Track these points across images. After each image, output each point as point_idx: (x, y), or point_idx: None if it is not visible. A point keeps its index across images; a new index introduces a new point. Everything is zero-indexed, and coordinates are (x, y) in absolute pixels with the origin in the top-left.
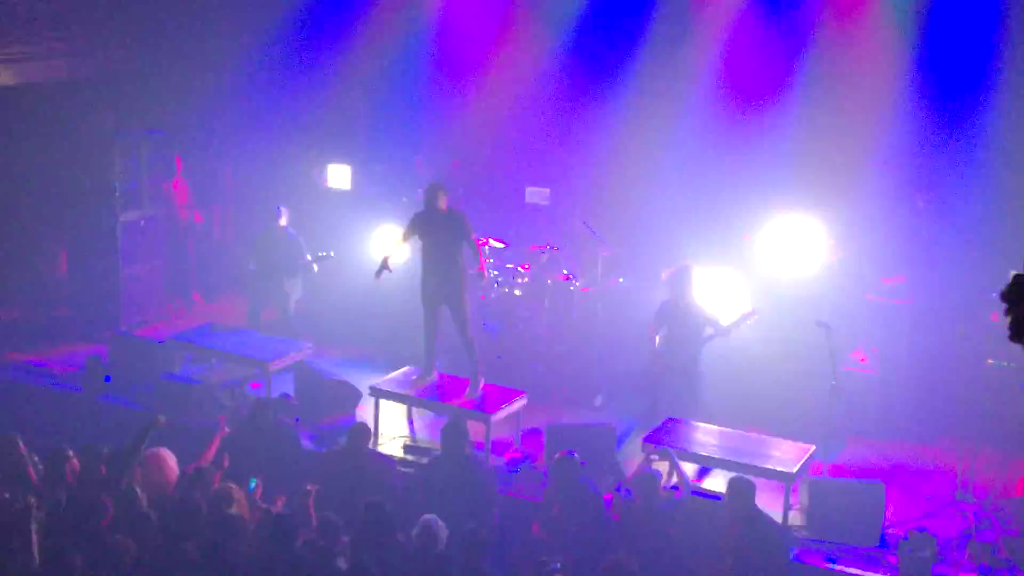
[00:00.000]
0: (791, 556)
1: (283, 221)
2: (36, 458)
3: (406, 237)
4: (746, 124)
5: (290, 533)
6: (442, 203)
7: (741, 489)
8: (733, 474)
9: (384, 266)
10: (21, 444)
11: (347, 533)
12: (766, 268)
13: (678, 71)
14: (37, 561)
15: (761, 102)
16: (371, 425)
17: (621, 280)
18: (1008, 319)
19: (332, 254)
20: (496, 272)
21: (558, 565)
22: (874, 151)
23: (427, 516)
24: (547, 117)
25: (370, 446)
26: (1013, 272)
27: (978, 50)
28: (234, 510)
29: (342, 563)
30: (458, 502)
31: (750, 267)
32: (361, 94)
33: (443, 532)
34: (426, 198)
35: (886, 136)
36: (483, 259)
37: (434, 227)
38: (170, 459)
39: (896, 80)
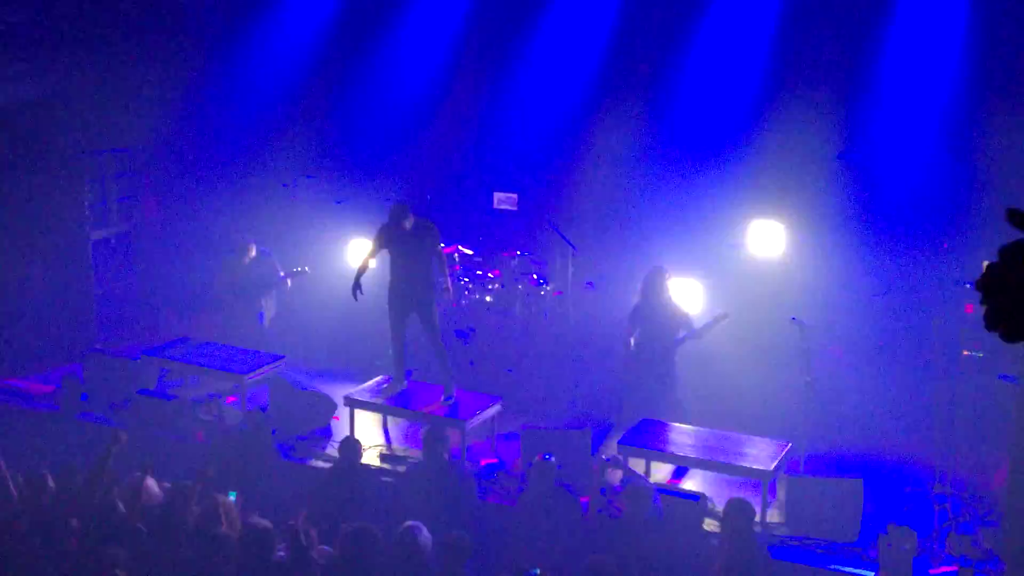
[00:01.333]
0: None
1: (252, 253)
2: (20, 478)
3: (374, 250)
4: (717, 130)
5: (269, 547)
6: (407, 223)
7: (735, 511)
8: (710, 473)
9: (357, 283)
10: (1, 463)
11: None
12: (738, 270)
13: (646, 80)
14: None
15: (730, 109)
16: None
17: (591, 284)
18: (983, 309)
19: (307, 269)
20: (466, 279)
21: (536, 571)
22: (837, 149)
23: (410, 522)
24: (514, 121)
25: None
26: (986, 262)
27: (937, 45)
28: (221, 523)
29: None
30: (439, 508)
31: (722, 269)
32: (330, 109)
33: (425, 538)
34: (392, 217)
35: (850, 134)
36: (450, 272)
37: (401, 236)
38: (152, 486)
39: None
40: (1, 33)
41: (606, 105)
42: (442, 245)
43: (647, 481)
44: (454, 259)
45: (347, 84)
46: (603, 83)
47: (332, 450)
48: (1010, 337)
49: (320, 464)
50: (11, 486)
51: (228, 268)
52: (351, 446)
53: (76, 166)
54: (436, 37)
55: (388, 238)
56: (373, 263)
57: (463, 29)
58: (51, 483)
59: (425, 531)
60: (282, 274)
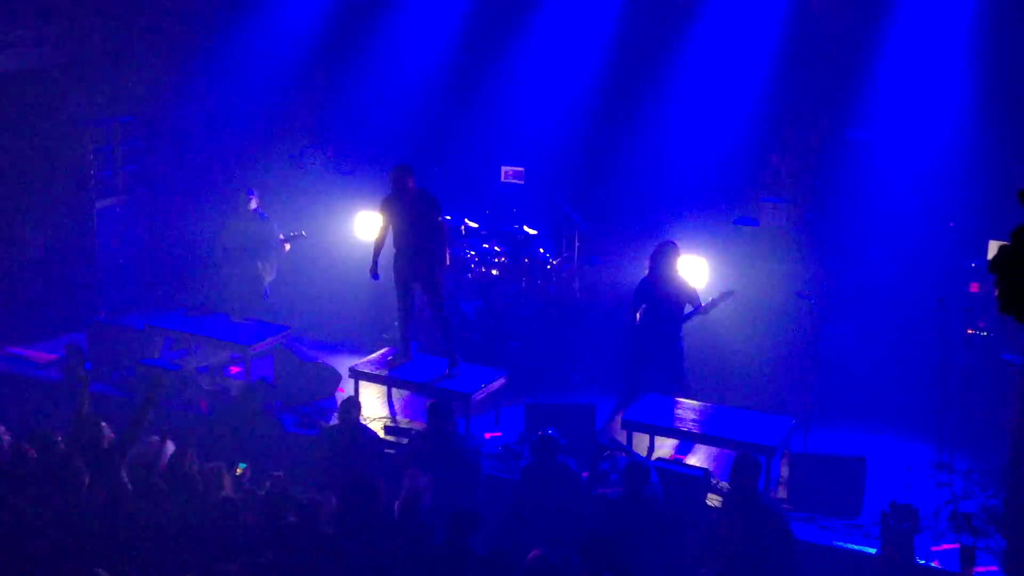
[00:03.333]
0: (793, 539)
1: (253, 204)
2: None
3: (384, 225)
4: (724, 108)
5: (280, 512)
6: (409, 183)
7: (742, 466)
8: (714, 449)
9: (376, 262)
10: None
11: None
12: (744, 246)
13: (653, 58)
14: None
15: (736, 86)
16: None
17: (597, 259)
18: (997, 290)
19: (304, 233)
20: (472, 252)
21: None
22: (845, 127)
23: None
24: (521, 96)
25: (364, 425)
26: (996, 243)
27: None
28: (225, 492)
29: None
30: (443, 480)
31: (728, 245)
32: (335, 79)
33: (426, 493)
34: (393, 180)
35: (857, 112)
36: (455, 244)
37: (403, 208)
38: (170, 449)
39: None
40: (8, 2)
41: (614, 81)
42: (446, 217)
43: (645, 460)
44: (460, 232)
45: (356, 57)
46: (611, 60)
47: (336, 421)
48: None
49: None
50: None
51: (230, 230)
52: (350, 404)
53: (81, 134)
54: (446, 12)
55: (391, 210)
56: (384, 237)
57: (472, 4)
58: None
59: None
60: (280, 237)
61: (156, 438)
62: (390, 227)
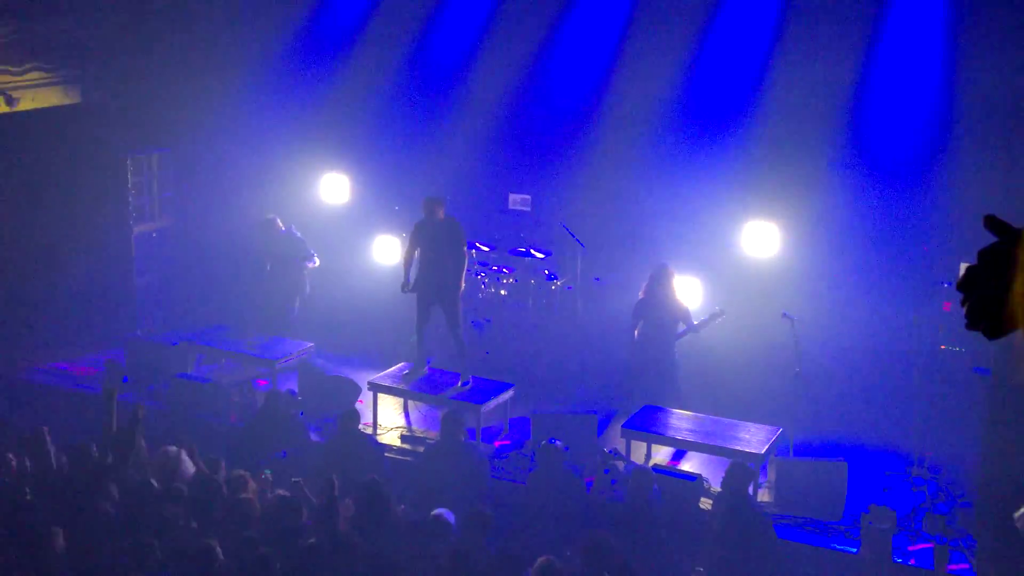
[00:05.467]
0: (776, 540)
1: (281, 226)
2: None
3: (412, 246)
4: (714, 138)
5: (297, 510)
6: (440, 214)
7: (735, 473)
8: (706, 456)
9: (407, 278)
10: (47, 435)
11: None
12: (734, 268)
13: (649, 91)
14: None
15: (725, 119)
16: (370, 417)
17: (599, 279)
18: (964, 308)
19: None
20: (483, 273)
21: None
22: (829, 156)
23: (439, 510)
24: (529, 130)
25: (364, 432)
26: (964, 264)
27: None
28: (248, 495)
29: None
30: (455, 486)
31: (719, 267)
32: (356, 112)
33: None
34: (425, 208)
35: (841, 140)
36: (467, 267)
37: (433, 234)
38: (187, 460)
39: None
40: (52, 42)
41: (612, 116)
42: (468, 248)
43: (647, 468)
44: (471, 255)
45: (373, 89)
46: (609, 96)
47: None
48: (990, 333)
49: None
50: (52, 458)
51: (270, 250)
52: (349, 416)
53: (120, 164)
54: (458, 51)
55: (421, 235)
56: (412, 257)
57: (484, 43)
58: (95, 452)
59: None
60: (312, 252)
61: (173, 448)
62: (418, 248)
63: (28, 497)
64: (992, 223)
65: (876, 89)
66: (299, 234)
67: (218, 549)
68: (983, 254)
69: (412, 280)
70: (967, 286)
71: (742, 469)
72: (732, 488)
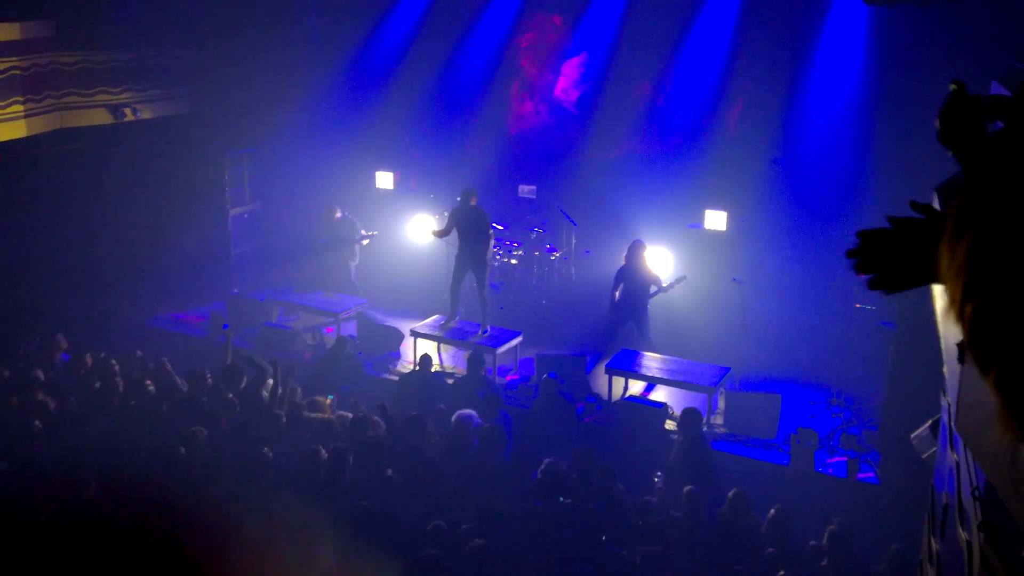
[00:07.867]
0: (713, 463)
1: (338, 214)
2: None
3: (449, 226)
4: (680, 142)
5: (364, 427)
6: (473, 201)
7: (688, 417)
8: (671, 389)
9: (442, 231)
10: (168, 365)
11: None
12: (695, 243)
13: (629, 105)
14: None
15: (689, 128)
16: (411, 358)
17: (588, 252)
18: (857, 272)
19: (376, 232)
20: (498, 247)
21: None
22: (770, 154)
23: (462, 412)
24: (534, 136)
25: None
26: (859, 231)
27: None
28: (324, 414)
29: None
30: (477, 408)
31: (682, 242)
32: (401, 122)
33: (474, 423)
34: (462, 196)
35: (779, 142)
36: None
37: (467, 217)
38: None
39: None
40: (167, 66)
41: (600, 121)
42: (496, 226)
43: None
44: (490, 233)
45: (413, 104)
46: (596, 112)
47: (400, 367)
48: (889, 289)
49: (391, 377)
50: (177, 381)
51: (323, 226)
52: (425, 360)
53: (219, 161)
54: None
55: (459, 217)
56: (449, 231)
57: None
58: (209, 379)
59: (474, 416)
60: (363, 232)
61: (271, 380)
62: (455, 227)
63: (164, 408)
64: (917, 207)
65: (808, 103)
66: (351, 218)
67: (322, 451)
68: (896, 221)
69: (455, 252)
70: (860, 252)
71: (693, 414)
72: (687, 431)
